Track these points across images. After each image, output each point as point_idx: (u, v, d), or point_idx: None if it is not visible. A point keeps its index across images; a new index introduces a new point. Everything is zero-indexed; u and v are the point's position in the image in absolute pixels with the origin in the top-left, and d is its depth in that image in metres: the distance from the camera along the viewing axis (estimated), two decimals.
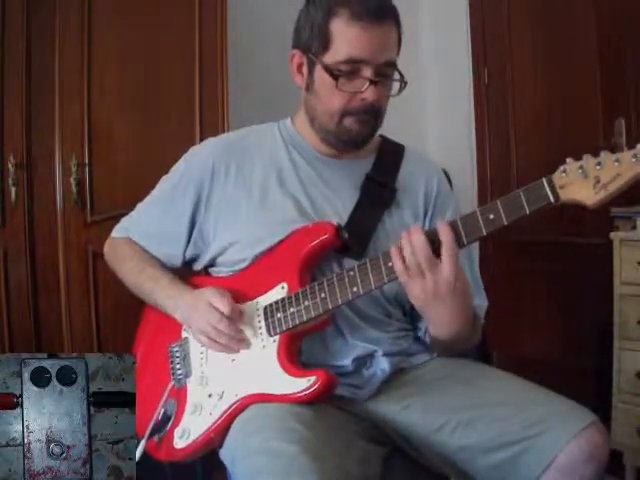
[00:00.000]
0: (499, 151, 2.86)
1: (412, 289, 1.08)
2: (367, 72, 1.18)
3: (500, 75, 2.82)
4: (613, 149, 0.98)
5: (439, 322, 1.16)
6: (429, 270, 1.05)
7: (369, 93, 1.19)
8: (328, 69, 1.19)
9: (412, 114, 2.96)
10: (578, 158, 0.99)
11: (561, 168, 0.99)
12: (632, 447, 1.96)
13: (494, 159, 2.89)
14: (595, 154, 0.98)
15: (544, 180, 1.00)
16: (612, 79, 2.40)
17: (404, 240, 1.07)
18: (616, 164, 0.95)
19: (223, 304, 1.17)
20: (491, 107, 2.88)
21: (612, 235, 2.01)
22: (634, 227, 1.99)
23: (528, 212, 1.00)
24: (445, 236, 1.04)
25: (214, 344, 1.20)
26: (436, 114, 3.10)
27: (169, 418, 1.20)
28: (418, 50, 3.02)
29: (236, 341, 1.19)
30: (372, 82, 1.18)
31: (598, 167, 0.96)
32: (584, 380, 2.28)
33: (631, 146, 0.95)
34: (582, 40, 2.49)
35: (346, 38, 1.17)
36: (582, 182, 0.97)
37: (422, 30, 3.04)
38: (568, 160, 1.00)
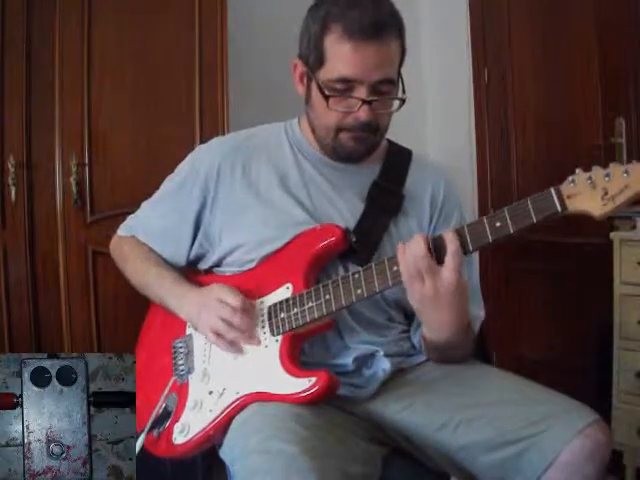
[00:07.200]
0: (499, 151, 2.86)
1: (412, 292, 1.09)
2: (360, 92, 1.15)
3: (500, 75, 2.82)
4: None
5: (433, 326, 1.16)
6: (429, 276, 1.06)
7: (362, 113, 1.16)
8: (320, 88, 1.18)
9: (412, 115, 2.94)
10: (587, 168, 0.99)
11: (570, 178, 0.99)
12: (632, 447, 1.96)
13: (494, 160, 2.88)
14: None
15: (552, 190, 1.00)
16: (612, 79, 2.39)
17: (406, 246, 1.07)
18: (625, 176, 0.95)
19: (233, 298, 1.17)
20: (491, 107, 2.88)
21: (612, 235, 2.00)
22: (634, 227, 1.99)
23: (535, 221, 1.01)
24: (451, 244, 1.05)
25: (222, 341, 1.18)
26: (436, 114, 3.09)
27: (169, 413, 1.20)
28: (418, 50, 3.02)
29: (246, 337, 1.18)
30: (365, 102, 1.15)
31: (607, 179, 0.96)
32: (584, 380, 2.27)
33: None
34: (582, 40, 2.49)
35: (338, 56, 1.14)
36: (590, 193, 0.97)
37: (422, 30, 3.04)
38: (577, 170, 1.00)
